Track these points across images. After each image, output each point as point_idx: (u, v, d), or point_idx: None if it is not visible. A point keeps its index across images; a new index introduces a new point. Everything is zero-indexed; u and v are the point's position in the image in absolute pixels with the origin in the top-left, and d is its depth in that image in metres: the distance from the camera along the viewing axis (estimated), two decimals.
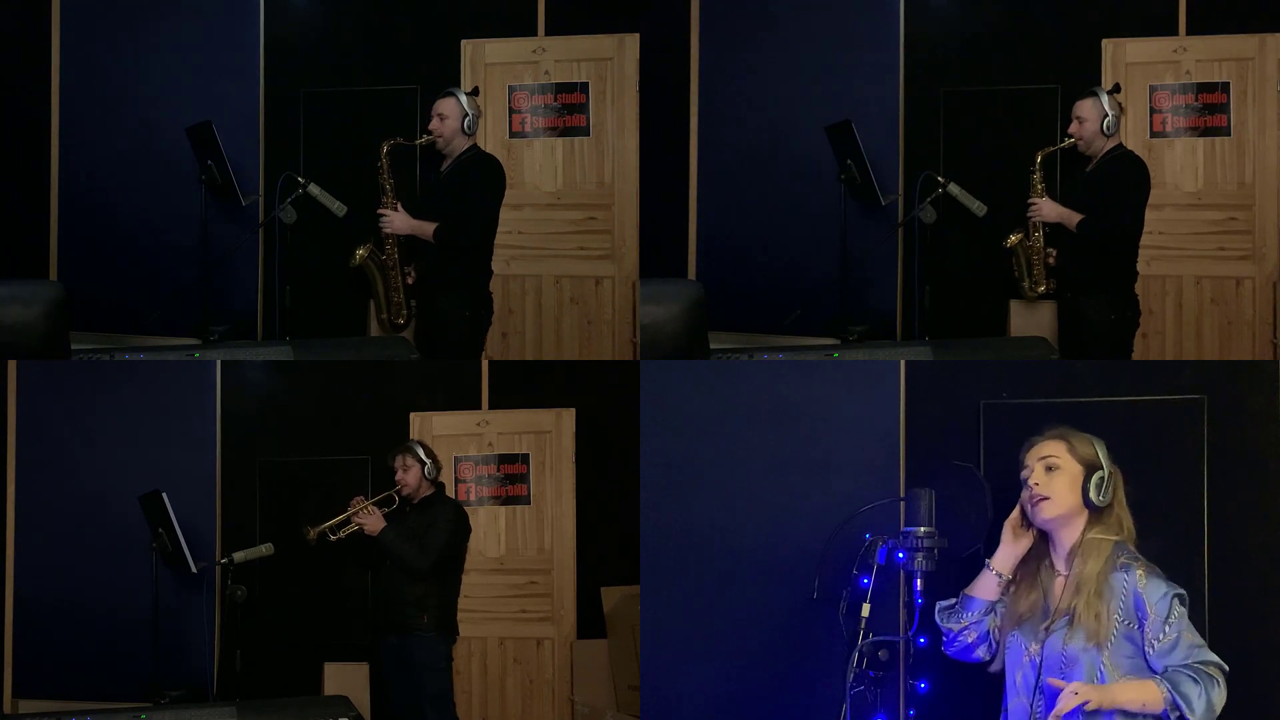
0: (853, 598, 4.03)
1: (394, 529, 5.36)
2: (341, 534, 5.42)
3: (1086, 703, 3.33)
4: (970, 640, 3.62)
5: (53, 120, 6.56)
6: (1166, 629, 3.38)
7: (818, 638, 4.30)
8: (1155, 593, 3.39)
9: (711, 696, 4.49)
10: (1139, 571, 3.42)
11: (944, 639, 3.72)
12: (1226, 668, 3.41)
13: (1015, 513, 3.59)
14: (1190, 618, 3.48)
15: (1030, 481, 3.52)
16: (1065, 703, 3.34)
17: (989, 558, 3.62)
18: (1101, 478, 3.49)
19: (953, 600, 3.69)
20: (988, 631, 3.62)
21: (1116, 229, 5.53)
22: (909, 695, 4.16)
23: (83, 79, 6.54)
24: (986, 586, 3.60)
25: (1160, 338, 6.13)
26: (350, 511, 5.41)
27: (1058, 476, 3.50)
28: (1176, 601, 3.40)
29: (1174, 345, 6.11)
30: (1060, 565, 3.53)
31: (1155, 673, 3.39)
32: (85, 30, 6.55)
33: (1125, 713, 3.37)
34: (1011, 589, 3.59)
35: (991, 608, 3.60)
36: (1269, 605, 4.22)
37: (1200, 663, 3.37)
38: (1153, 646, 3.39)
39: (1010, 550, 3.58)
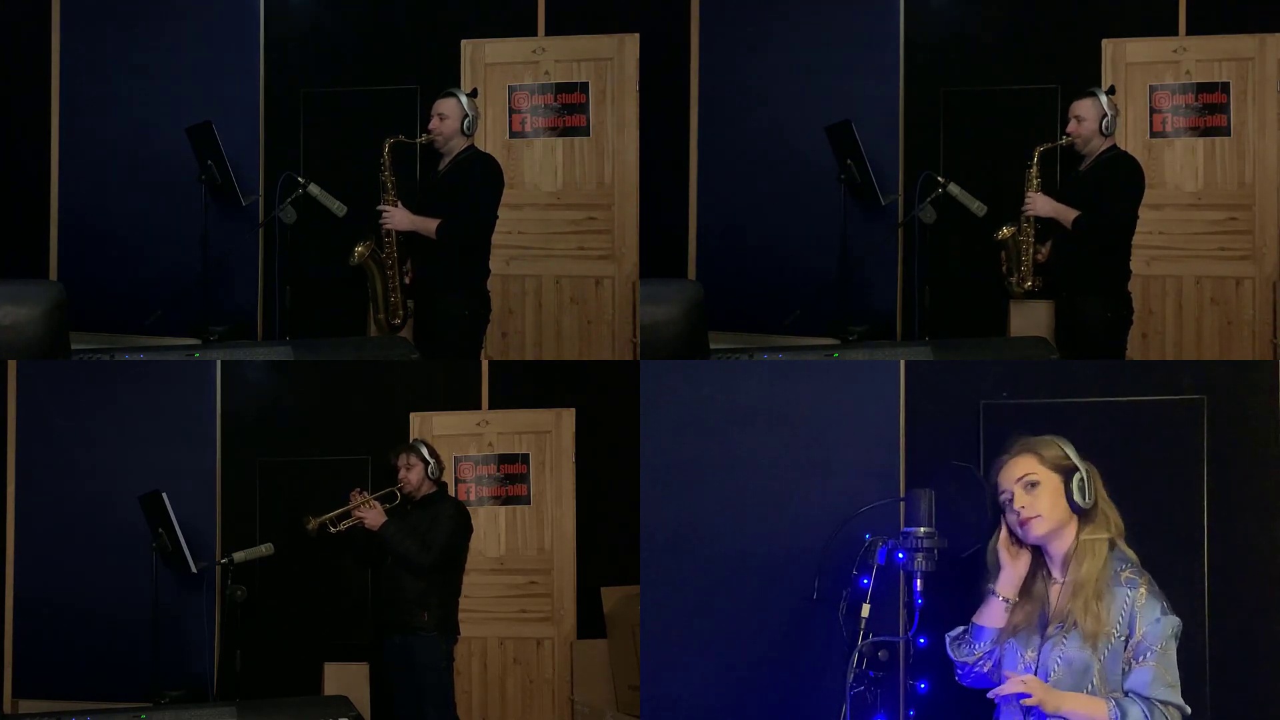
0: (853, 598, 4.02)
1: (395, 524, 5.36)
2: (342, 527, 5.42)
3: (1028, 695, 3.32)
4: (986, 670, 3.57)
5: (53, 120, 6.57)
6: (1147, 655, 3.34)
7: (817, 638, 4.30)
8: (1149, 615, 3.35)
9: (711, 696, 4.49)
10: (1141, 589, 3.38)
11: (958, 671, 3.63)
12: (1189, 711, 3.38)
13: (1004, 534, 3.53)
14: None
15: (1015, 505, 3.47)
16: (1011, 686, 3.34)
17: (993, 585, 3.56)
18: (1081, 480, 3.45)
19: (960, 630, 3.63)
20: (1000, 659, 3.57)
21: (1110, 227, 5.53)
22: (909, 696, 4.15)
23: (83, 79, 6.55)
24: (995, 614, 3.54)
25: (1160, 338, 6.13)
26: (351, 505, 5.41)
27: (1040, 492, 3.45)
28: (1169, 631, 3.35)
29: (1174, 345, 6.12)
30: (1056, 573, 3.51)
31: (1122, 690, 3.38)
32: (85, 30, 6.56)
33: None
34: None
35: (1001, 634, 3.55)
36: (1269, 605, 4.22)
37: (1161, 701, 3.33)
38: (1128, 665, 3.36)
39: (1012, 573, 3.52)
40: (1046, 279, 5.75)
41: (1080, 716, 3.34)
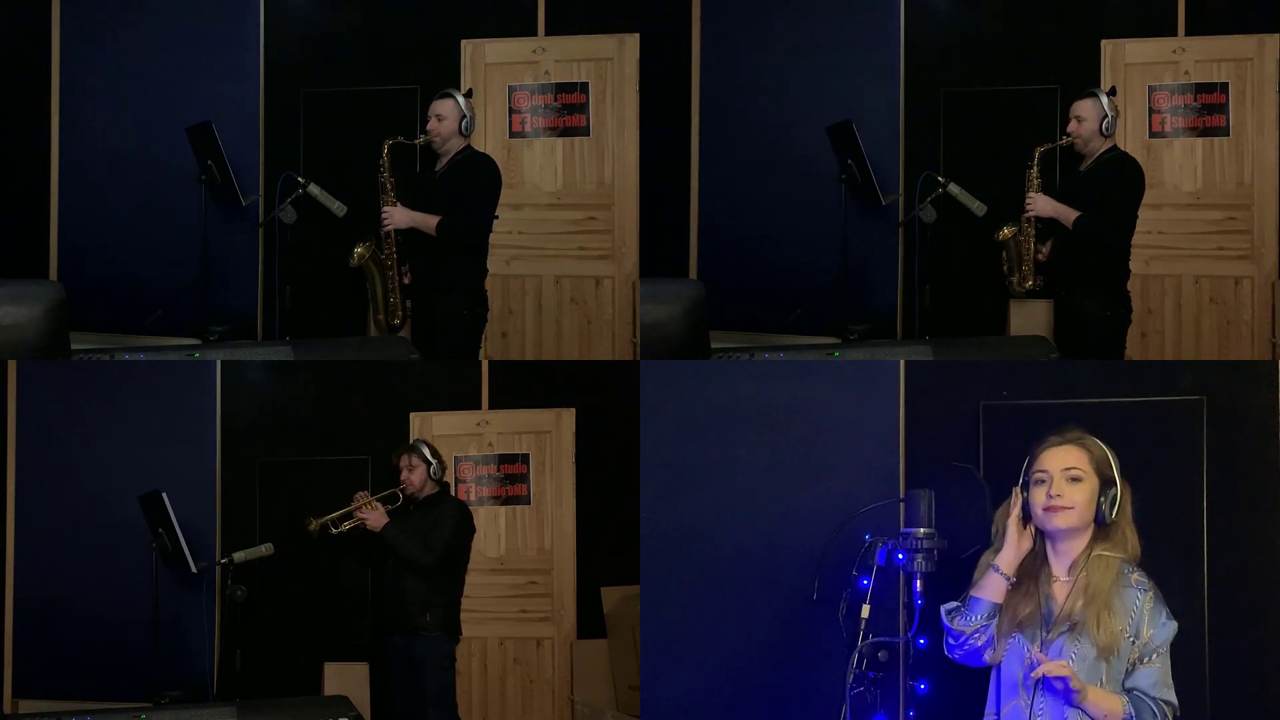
0: (852, 599, 4.03)
1: (397, 525, 5.36)
2: (344, 527, 5.42)
3: (1070, 679, 3.35)
4: (979, 644, 3.59)
5: (53, 120, 6.56)
6: (1153, 656, 3.41)
7: (817, 638, 4.31)
8: (1157, 619, 3.43)
9: (711, 696, 4.50)
10: (1149, 594, 3.44)
11: (950, 642, 3.64)
12: (1179, 714, 3.44)
13: (1017, 510, 3.54)
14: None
15: (1052, 491, 3.48)
16: (1052, 669, 3.36)
17: (995, 559, 3.58)
18: (1114, 494, 3.48)
19: (956, 603, 3.65)
20: (994, 635, 3.59)
21: (1111, 228, 5.53)
22: (908, 696, 4.16)
23: (83, 79, 6.55)
24: (994, 589, 3.55)
25: (1159, 337, 6.13)
26: (353, 506, 5.41)
27: (1080, 488, 3.48)
28: (1170, 636, 3.43)
29: (1173, 345, 6.12)
30: (1060, 572, 3.53)
31: (1124, 685, 3.42)
32: (85, 30, 6.55)
33: (1085, 714, 3.39)
34: (1009, 591, 3.57)
35: (996, 610, 3.57)
36: (1269, 605, 4.23)
37: (1165, 701, 3.41)
38: (1133, 665, 3.42)
39: (1016, 550, 3.55)
40: (1047, 278, 5.76)
41: (1098, 710, 3.38)
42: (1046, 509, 3.48)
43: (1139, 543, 3.53)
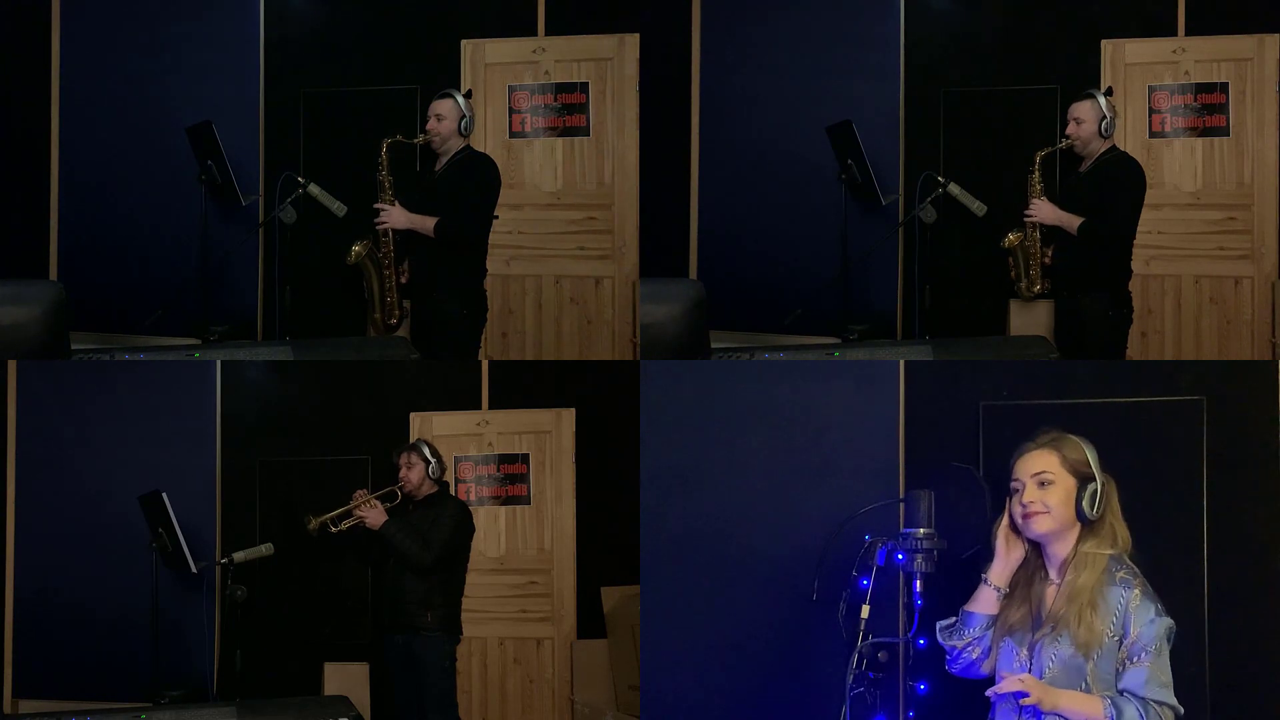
0: (852, 599, 4.03)
1: (396, 523, 5.36)
2: (343, 526, 5.41)
3: (1026, 695, 3.34)
4: (974, 656, 3.60)
5: (53, 120, 6.57)
6: (1141, 656, 3.35)
7: (817, 639, 4.31)
8: (1144, 616, 3.36)
9: (711, 696, 4.50)
10: (1136, 591, 3.39)
11: (948, 657, 3.67)
12: (1181, 711, 3.38)
13: (1005, 522, 3.55)
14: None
15: (1024, 499, 3.48)
16: (1008, 685, 3.36)
17: (985, 572, 3.59)
18: (1094, 491, 3.46)
19: (952, 619, 3.66)
20: (990, 646, 3.59)
21: (1114, 231, 5.53)
22: (908, 697, 4.16)
23: (83, 79, 6.55)
24: (986, 601, 3.57)
25: (1159, 337, 6.13)
26: (352, 504, 5.41)
27: (1051, 491, 3.47)
28: (1163, 633, 3.36)
29: (1173, 345, 6.12)
30: (1053, 575, 3.52)
31: (1116, 688, 3.38)
32: (85, 30, 6.55)
33: (1063, 718, 3.38)
34: (1004, 600, 3.57)
35: (992, 621, 3.57)
36: (1269, 605, 4.23)
37: (1156, 701, 3.34)
38: (1123, 665, 3.37)
39: (1005, 563, 3.56)
40: (1052, 281, 5.76)
41: (1077, 715, 3.36)
42: (1023, 516, 3.49)
43: (1129, 535, 3.51)
